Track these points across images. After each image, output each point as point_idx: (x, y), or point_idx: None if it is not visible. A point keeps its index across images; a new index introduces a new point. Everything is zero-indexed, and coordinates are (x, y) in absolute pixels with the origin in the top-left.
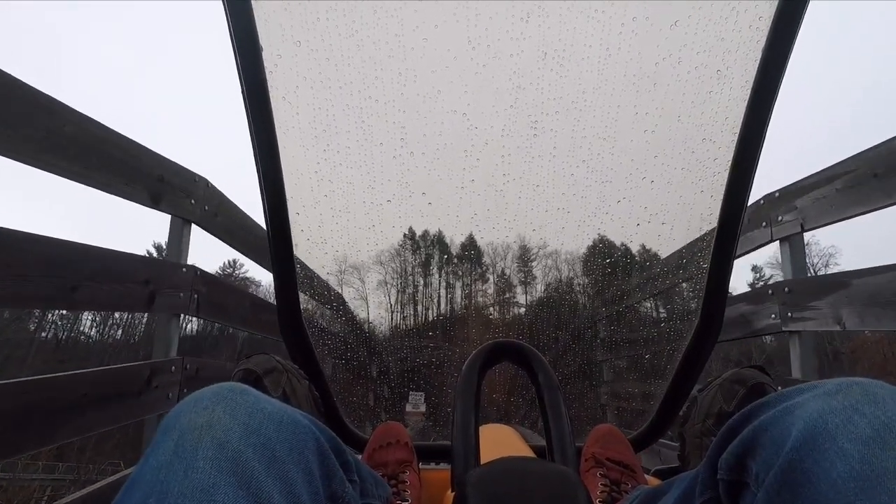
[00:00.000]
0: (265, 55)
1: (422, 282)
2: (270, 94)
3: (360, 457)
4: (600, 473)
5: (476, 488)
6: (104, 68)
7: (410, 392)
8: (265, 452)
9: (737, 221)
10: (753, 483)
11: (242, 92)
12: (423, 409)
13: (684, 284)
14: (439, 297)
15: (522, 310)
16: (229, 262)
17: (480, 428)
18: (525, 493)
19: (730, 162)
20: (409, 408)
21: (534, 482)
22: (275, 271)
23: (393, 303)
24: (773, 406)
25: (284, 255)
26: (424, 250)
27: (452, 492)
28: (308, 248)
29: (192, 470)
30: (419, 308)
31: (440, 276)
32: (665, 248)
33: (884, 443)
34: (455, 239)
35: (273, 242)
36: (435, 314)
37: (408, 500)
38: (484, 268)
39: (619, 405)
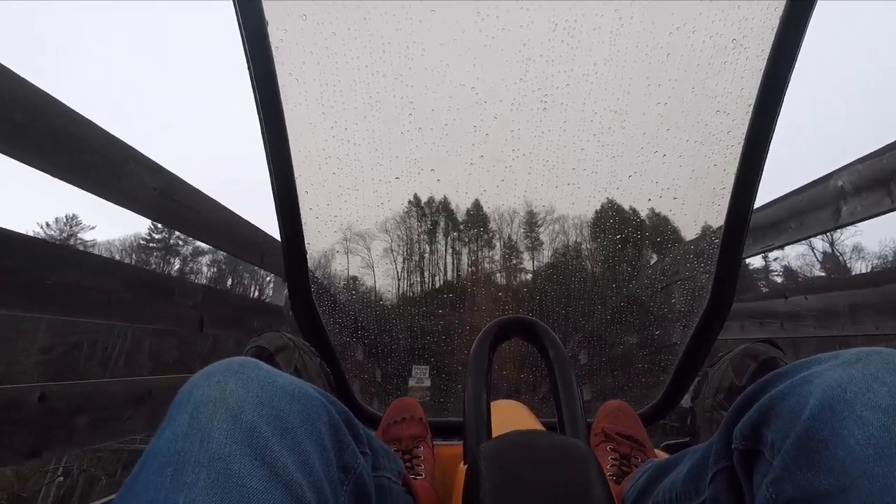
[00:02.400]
0: (270, 30)
1: (431, 256)
2: (277, 71)
3: (373, 432)
4: (610, 448)
5: (488, 460)
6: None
7: (413, 366)
8: (278, 424)
9: (750, 196)
10: (768, 452)
11: (249, 69)
12: (427, 383)
13: (696, 260)
14: (447, 269)
15: (531, 284)
16: (67, 218)
17: (492, 404)
18: (537, 464)
19: (744, 135)
20: (412, 382)
21: (545, 454)
22: (284, 250)
23: (400, 271)
24: (790, 376)
25: (294, 234)
26: (431, 218)
27: (465, 465)
28: (317, 226)
29: (208, 440)
30: (426, 281)
31: (448, 250)
32: (677, 224)
33: None
34: (463, 209)
35: (282, 222)
36: (444, 285)
37: (422, 475)
38: (492, 241)
39: (629, 381)
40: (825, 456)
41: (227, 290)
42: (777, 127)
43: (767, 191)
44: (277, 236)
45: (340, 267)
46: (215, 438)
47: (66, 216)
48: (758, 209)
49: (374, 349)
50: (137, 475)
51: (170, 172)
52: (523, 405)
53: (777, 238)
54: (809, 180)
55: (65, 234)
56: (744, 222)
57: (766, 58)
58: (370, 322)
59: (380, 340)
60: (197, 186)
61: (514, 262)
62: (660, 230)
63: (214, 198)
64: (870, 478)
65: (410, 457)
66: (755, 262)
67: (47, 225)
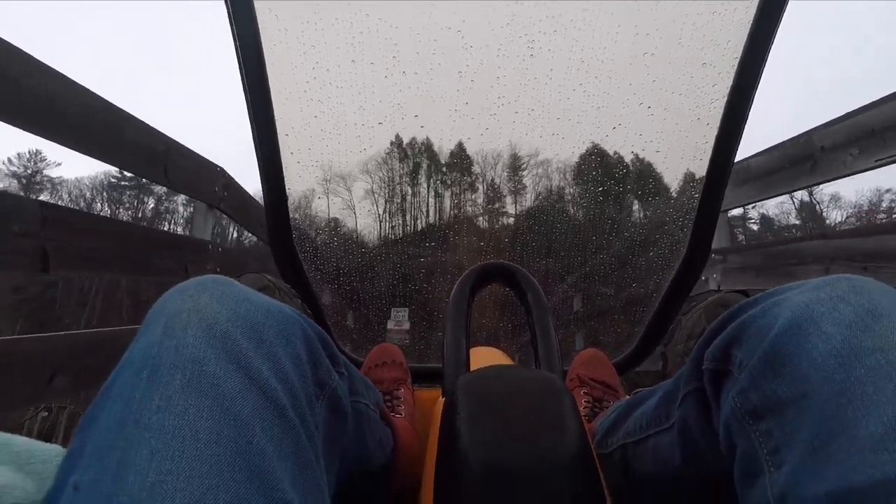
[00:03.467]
0: None
1: (413, 199)
2: (255, 6)
3: None
4: (584, 392)
5: (465, 390)
6: None
7: (392, 308)
8: (253, 335)
9: (732, 149)
10: (736, 370)
11: (226, 3)
12: (406, 326)
13: (675, 213)
14: (429, 212)
15: (513, 231)
16: (31, 154)
17: (471, 350)
18: (513, 395)
19: (728, 88)
20: (391, 325)
21: (522, 385)
22: (265, 193)
23: (381, 213)
24: (760, 302)
25: (274, 178)
26: (413, 160)
27: (443, 398)
28: (298, 171)
29: (183, 346)
30: (408, 224)
31: (431, 192)
32: (659, 176)
33: (865, 326)
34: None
35: (263, 165)
36: (426, 228)
37: (401, 414)
38: (475, 184)
39: (605, 332)
40: (788, 368)
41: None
42: (761, 81)
43: (749, 145)
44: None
45: (321, 209)
46: (189, 344)
47: (28, 152)
48: (738, 162)
49: (354, 294)
50: (113, 381)
51: None
52: (502, 352)
53: (765, 191)
54: (791, 136)
55: (30, 171)
56: (724, 175)
57: (755, 8)
58: (351, 266)
59: (360, 286)
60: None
61: (497, 205)
62: (642, 183)
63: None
64: (829, 384)
65: (391, 398)
66: (736, 212)
67: (9, 161)
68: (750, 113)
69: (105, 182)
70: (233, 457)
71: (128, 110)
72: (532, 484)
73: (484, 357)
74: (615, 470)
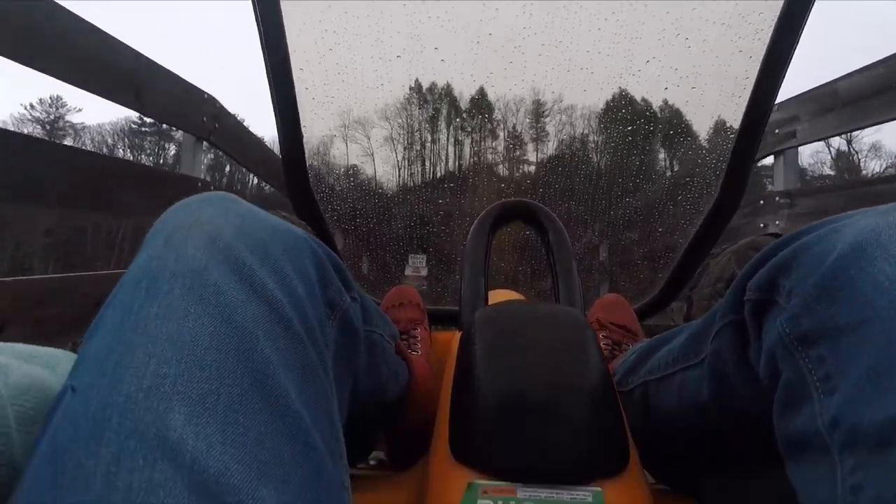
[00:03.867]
0: None
1: (433, 145)
2: None
3: None
4: (603, 335)
5: (483, 323)
6: None
7: (410, 254)
8: (258, 250)
9: (775, 85)
10: (784, 300)
11: None
12: (423, 272)
13: (707, 156)
14: (448, 159)
15: (533, 171)
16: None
17: (489, 293)
18: (532, 327)
19: (776, 16)
20: (408, 271)
21: (541, 318)
22: (280, 133)
23: (400, 160)
24: (817, 228)
25: (289, 117)
26: (433, 105)
27: (459, 330)
28: (313, 107)
29: (183, 257)
30: (427, 171)
31: (450, 139)
32: (691, 116)
33: None
34: (467, 96)
35: (277, 103)
36: (444, 175)
37: (418, 351)
38: (496, 125)
39: (627, 277)
40: (849, 293)
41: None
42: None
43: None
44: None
45: (339, 153)
46: (190, 255)
47: (49, 98)
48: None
49: (371, 236)
50: (115, 295)
51: None
52: (521, 294)
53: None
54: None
55: (52, 117)
56: (764, 113)
57: None
58: (368, 211)
59: (378, 230)
60: None
61: (518, 153)
62: (675, 122)
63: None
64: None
65: (407, 337)
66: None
67: (31, 107)
68: (798, 44)
69: (126, 128)
70: (234, 364)
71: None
72: (551, 416)
73: (502, 298)
74: (635, 408)
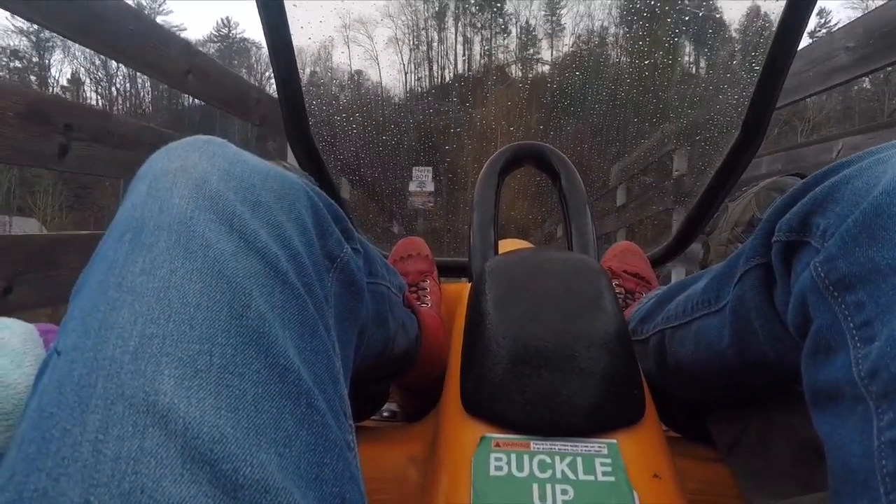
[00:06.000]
0: None
1: (440, 45)
2: None
3: None
4: (616, 284)
5: (494, 272)
6: None
7: (414, 168)
8: (248, 197)
9: (807, 7)
10: (817, 240)
11: None
12: (430, 187)
13: (729, 90)
14: (457, 64)
15: (545, 111)
16: (223, 21)
17: (499, 242)
18: (545, 275)
19: None
20: (413, 186)
21: (554, 266)
22: (274, 63)
23: (406, 63)
24: (858, 161)
25: (282, 44)
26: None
27: (469, 281)
28: (307, 18)
29: (168, 206)
30: (435, 76)
31: (458, 43)
32: (717, 44)
33: None
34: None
35: (268, 29)
36: (453, 81)
37: (428, 304)
38: (507, 19)
39: (640, 224)
40: (893, 233)
41: None
42: None
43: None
44: None
45: (342, 60)
46: (175, 204)
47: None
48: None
49: (376, 165)
50: (99, 248)
51: None
52: (531, 244)
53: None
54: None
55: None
56: (794, 43)
57: None
58: (372, 127)
59: (381, 148)
60: None
61: (531, 51)
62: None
63: None
64: None
65: (416, 289)
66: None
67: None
68: None
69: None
70: (227, 321)
71: None
72: (565, 367)
73: (513, 247)
74: (650, 358)
